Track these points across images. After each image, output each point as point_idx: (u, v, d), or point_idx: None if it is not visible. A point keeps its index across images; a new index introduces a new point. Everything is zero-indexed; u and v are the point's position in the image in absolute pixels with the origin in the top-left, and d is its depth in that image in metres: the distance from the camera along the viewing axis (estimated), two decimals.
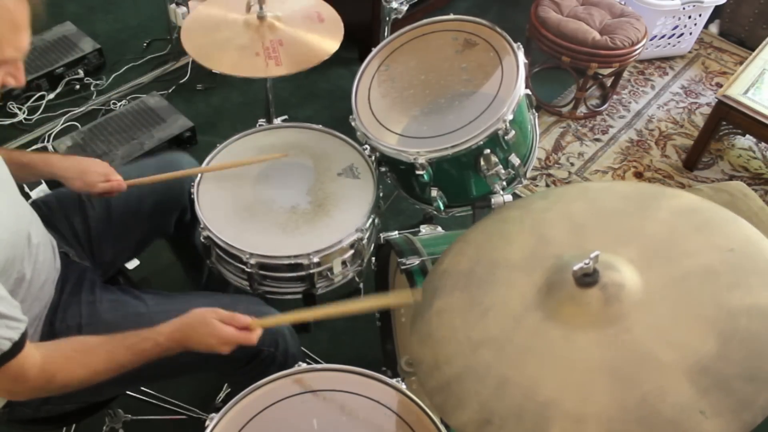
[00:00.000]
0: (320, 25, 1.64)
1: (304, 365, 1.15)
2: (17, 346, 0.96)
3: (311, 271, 1.42)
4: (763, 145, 2.57)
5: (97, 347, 1.07)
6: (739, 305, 0.74)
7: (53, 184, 1.41)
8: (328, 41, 1.60)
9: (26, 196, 1.33)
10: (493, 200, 1.50)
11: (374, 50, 1.65)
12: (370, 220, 1.50)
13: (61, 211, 1.37)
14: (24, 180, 1.30)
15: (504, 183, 1.52)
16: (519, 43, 1.53)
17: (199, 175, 1.51)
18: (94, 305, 1.25)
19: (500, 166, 1.45)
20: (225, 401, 1.38)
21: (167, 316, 1.11)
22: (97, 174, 1.33)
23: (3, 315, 0.94)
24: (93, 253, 1.39)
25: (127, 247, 1.48)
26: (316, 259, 1.40)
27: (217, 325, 1.09)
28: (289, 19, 1.63)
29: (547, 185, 2.41)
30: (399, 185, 1.64)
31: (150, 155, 2.23)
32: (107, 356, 1.07)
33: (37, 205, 1.34)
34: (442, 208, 1.54)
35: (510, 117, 1.41)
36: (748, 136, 2.56)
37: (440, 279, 0.97)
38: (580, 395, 0.73)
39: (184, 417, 1.72)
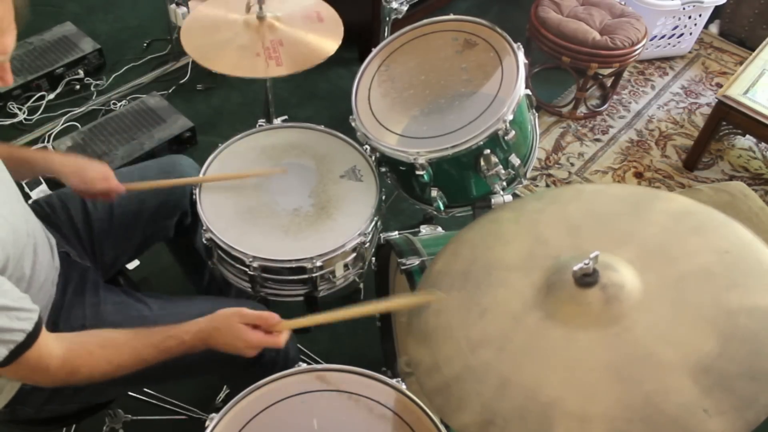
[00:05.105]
0: (320, 25, 1.64)
1: (304, 365, 1.15)
2: (31, 337, 0.96)
3: (314, 275, 1.42)
4: (763, 145, 2.57)
5: (123, 345, 1.08)
6: (738, 305, 0.75)
7: (53, 184, 1.41)
8: (328, 41, 1.61)
9: (26, 197, 1.33)
10: (493, 200, 1.50)
11: (374, 50, 1.65)
12: (373, 224, 1.50)
13: (64, 211, 1.37)
14: (21, 177, 1.30)
15: (504, 183, 1.52)
16: (519, 43, 1.53)
17: (201, 176, 1.51)
18: (98, 307, 1.26)
19: (500, 167, 1.45)
20: (225, 401, 1.38)
21: (171, 320, 1.12)
22: (96, 173, 1.33)
23: (11, 308, 0.94)
24: (94, 254, 1.39)
25: (128, 249, 1.48)
26: (318, 263, 1.40)
27: (243, 329, 1.09)
28: (289, 19, 1.63)
29: (547, 185, 2.41)
30: (399, 185, 1.64)
31: (150, 155, 2.22)
32: (132, 352, 1.07)
33: (39, 205, 1.34)
34: (442, 208, 1.54)
35: (510, 117, 1.41)
36: (748, 136, 2.56)
37: (436, 279, 0.97)
38: (583, 395, 0.73)
39: (184, 417, 1.72)
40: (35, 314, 0.99)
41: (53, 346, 1.01)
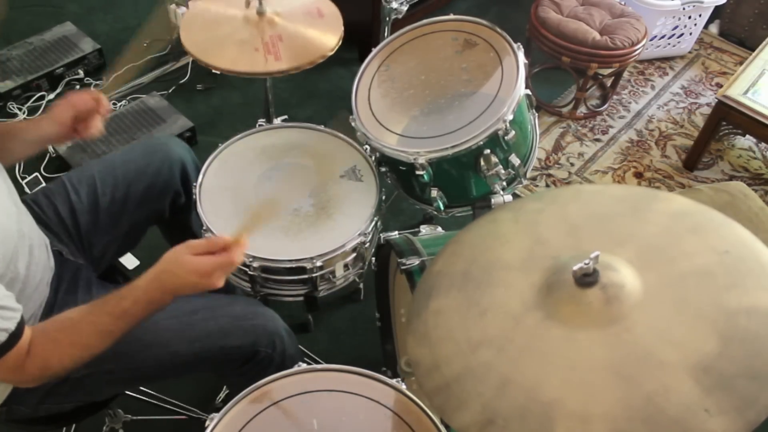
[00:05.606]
0: (320, 21, 1.64)
1: (303, 365, 1.15)
2: (14, 336, 0.95)
3: (314, 275, 1.42)
4: (763, 145, 2.57)
5: (80, 322, 1.03)
6: (737, 306, 0.75)
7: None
8: (328, 36, 1.60)
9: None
10: (493, 200, 1.50)
11: (374, 50, 1.65)
12: (373, 224, 1.50)
13: (50, 206, 1.35)
14: (15, 154, 1.26)
15: (504, 183, 1.51)
16: (519, 44, 1.53)
17: (201, 175, 1.51)
18: None
19: (500, 167, 1.45)
20: (225, 401, 1.38)
21: (165, 313, 1.10)
22: (59, 105, 1.27)
23: None
24: (84, 247, 1.37)
25: (117, 238, 1.44)
26: (318, 263, 1.40)
27: (191, 259, 1.02)
28: (289, 14, 1.63)
29: (547, 185, 2.41)
30: (399, 185, 1.64)
31: None
32: (93, 328, 1.02)
33: (27, 204, 1.31)
34: (442, 208, 1.53)
35: (510, 117, 1.41)
36: (748, 136, 2.56)
37: (435, 279, 0.97)
38: (584, 395, 0.73)
39: (184, 417, 1.72)
40: (18, 313, 0.97)
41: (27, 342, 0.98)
